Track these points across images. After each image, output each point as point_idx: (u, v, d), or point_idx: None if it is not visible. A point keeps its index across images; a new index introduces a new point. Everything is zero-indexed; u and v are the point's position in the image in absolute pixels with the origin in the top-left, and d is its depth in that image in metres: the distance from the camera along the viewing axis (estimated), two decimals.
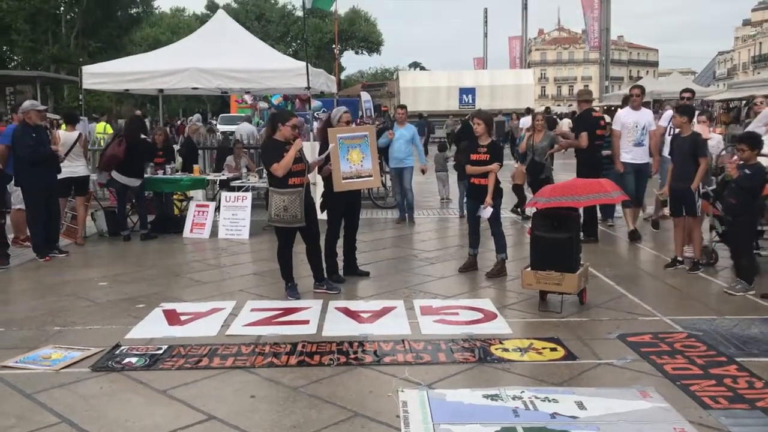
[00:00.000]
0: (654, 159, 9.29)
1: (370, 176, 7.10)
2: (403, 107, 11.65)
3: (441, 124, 32.57)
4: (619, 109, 10.88)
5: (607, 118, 10.70)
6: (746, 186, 6.36)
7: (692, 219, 7.31)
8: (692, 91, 10.41)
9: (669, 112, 9.61)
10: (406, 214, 11.14)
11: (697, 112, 8.97)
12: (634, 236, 9.03)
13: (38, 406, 4.14)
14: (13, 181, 8.58)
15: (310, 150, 8.58)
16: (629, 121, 9.16)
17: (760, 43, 68.07)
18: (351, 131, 7.16)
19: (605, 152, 9.51)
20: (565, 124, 28.68)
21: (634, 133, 9.10)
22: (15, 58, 43.25)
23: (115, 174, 9.65)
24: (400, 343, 5.17)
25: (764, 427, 3.76)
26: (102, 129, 19.92)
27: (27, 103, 8.70)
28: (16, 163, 8.37)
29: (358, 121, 19.58)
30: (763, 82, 24.70)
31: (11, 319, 5.97)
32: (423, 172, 12.07)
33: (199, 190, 11.09)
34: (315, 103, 16.84)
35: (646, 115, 9.42)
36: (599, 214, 9.66)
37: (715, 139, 9.04)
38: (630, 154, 9.09)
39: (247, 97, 19.82)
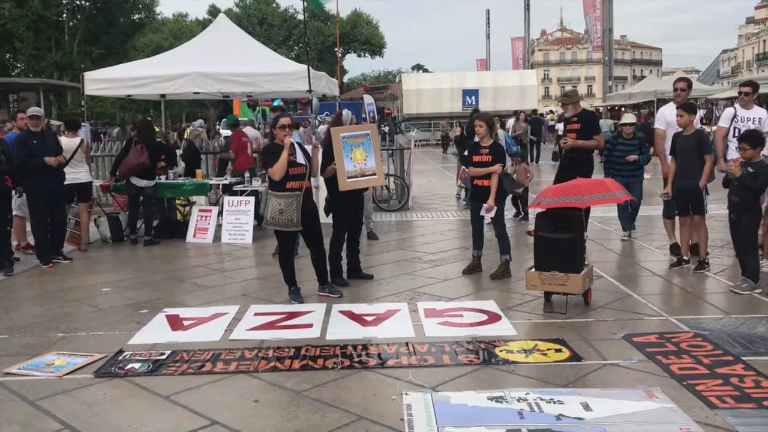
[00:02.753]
0: (720, 163, 7.67)
1: (374, 174, 7.07)
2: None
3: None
4: (662, 106, 9.90)
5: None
6: (749, 184, 6.32)
7: (699, 217, 7.27)
8: (687, 80, 8.96)
9: (730, 110, 8.12)
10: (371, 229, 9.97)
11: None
12: (675, 251, 7.85)
13: (41, 413, 4.13)
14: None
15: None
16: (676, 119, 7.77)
17: (764, 40, 67.88)
18: (353, 130, 7.15)
19: (631, 157, 8.79)
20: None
21: None
22: (18, 65, 43.47)
23: (133, 179, 9.76)
24: (404, 345, 5.15)
25: None
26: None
27: (30, 110, 8.77)
28: (18, 168, 8.38)
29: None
30: (767, 79, 24.63)
31: (14, 326, 5.97)
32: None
33: (201, 195, 11.10)
34: (314, 102, 16.84)
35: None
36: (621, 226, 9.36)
37: None
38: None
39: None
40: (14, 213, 9.06)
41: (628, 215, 9.19)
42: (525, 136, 19.19)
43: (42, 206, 8.38)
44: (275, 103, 18.43)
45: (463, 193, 13.16)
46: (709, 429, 3.70)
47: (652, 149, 9.08)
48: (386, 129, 22.01)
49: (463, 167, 10.12)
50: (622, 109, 28.93)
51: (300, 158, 6.41)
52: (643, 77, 64.74)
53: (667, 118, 8.14)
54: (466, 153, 8.70)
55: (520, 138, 17.67)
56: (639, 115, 27.35)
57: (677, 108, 7.60)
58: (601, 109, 38.60)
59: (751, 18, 77.48)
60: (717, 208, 9.81)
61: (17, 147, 8.31)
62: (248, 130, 17.42)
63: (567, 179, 7.87)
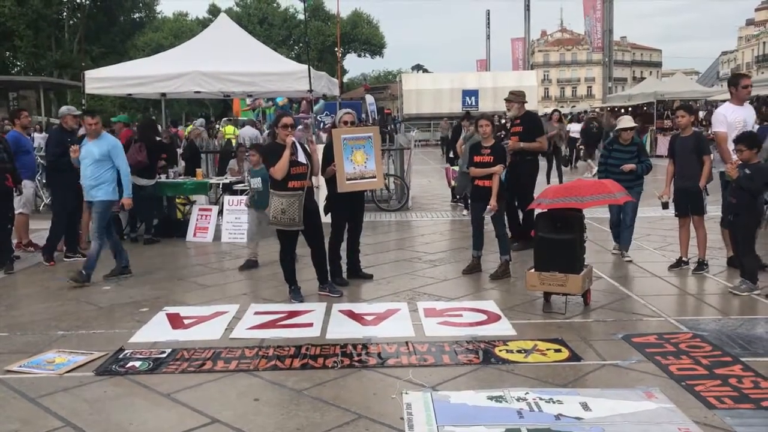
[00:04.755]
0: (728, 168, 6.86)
1: (374, 177, 7.10)
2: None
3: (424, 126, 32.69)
4: (719, 106, 9.33)
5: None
6: (746, 186, 6.33)
7: (698, 218, 7.29)
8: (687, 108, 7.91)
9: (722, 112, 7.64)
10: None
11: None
12: (735, 263, 7.18)
13: (42, 411, 4.14)
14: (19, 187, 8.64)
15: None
16: (737, 119, 7.34)
17: (764, 42, 67.96)
18: (355, 132, 7.16)
19: (627, 166, 7.72)
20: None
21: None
22: (18, 63, 43.45)
23: (133, 178, 9.76)
24: (404, 345, 5.16)
25: None
26: (232, 132, 20.22)
27: (63, 109, 9.05)
28: (51, 165, 8.73)
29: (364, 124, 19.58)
30: (766, 81, 24.65)
31: (15, 324, 5.98)
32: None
33: (202, 194, 11.10)
34: (318, 103, 16.88)
35: (751, 111, 7.69)
36: (615, 243, 8.38)
37: None
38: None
39: (248, 100, 19.89)
40: (19, 210, 9.09)
41: (623, 230, 8.09)
42: (560, 140, 16.89)
43: (70, 205, 8.54)
44: (278, 101, 18.40)
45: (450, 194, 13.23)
46: (708, 429, 3.72)
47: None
48: (389, 129, 21.88)
49: (450, 167, 10.06)
50: (622, 111, 28.46)
51: (301, 157, 6.42)
52: (642, 78, 64.68)
53: (728, 119, 7.40)
54: (452, 155, 8.76)
55: (554, 141, 15.56)
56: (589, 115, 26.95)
57: (678, 108, 7.60)
58: (598, 109, 38.63)
59: (751, 20, 77.54)
60: (717, 209, 9.82)
61: (54, 144, 8.61)
62: (247, 130, 17.54)
63: (511, 182, 7.94)
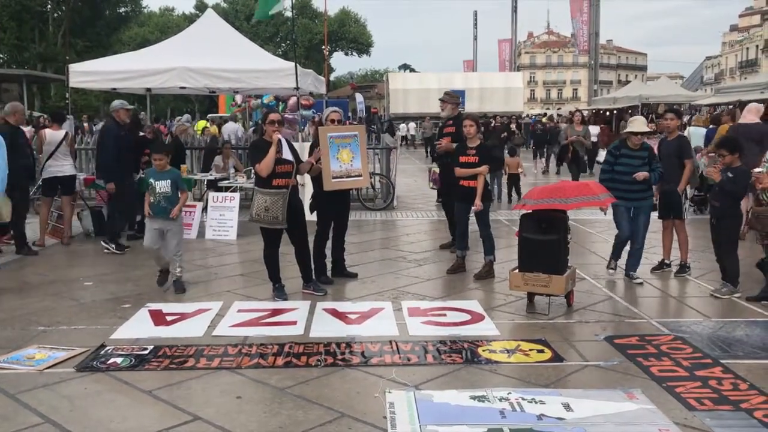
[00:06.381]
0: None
1: (360, 176, 7.09)
2: None
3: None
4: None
5: None
6: (729, 189, 6.40)
7: (679, 221, 7.36)
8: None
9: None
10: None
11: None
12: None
13: (21, 407, 4.10)
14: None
15: (300, 150, 8.54)
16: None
17: (747, 48, 68.63)
18: (341, 130, 7.15)
19: (640, 175, 6.82)
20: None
21: None
22: (1, 56, 42.92)
23: (145, 171, 9.73)
24: (387, 344, 5.16)
25: (748, 429, 3.78)
26: (201, 127, 20.28)
27: (116, 103, 9.23)
28: (104, 157, 8.97)
29: (347, 122, 19.58)
30: (749, 87, 24.92)
31: None
32: None
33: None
34: (308, 112, 16.90)
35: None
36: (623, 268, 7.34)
37: None
38: None
39: (238, 98, 19.80)
40: None
41: (633, 249, 7.15)
42: (581, 146, 13.61)
43: (123, 193, 8.89)
44: (265, 98, 18.32)
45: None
46: (688, 430, 3.75)
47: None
48: (375, 128, 21.85)
49: (433, 169, 10.00)
50: (628, 111, 26.72)
51: (287, 155, 6.39)
52: (628, 82, 65.12)
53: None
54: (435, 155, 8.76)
55: (573, 147, 13.37)
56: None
57: (667, 112, 7.64)
58: (586, 112, 38.83)
59: (735, 25, 78.33)
60: (695, 214, 9.94)
61: (114, 140, 8.85)
62: (230, 125, 17.70)
63: (442, 183, 7.96)
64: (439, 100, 8.95)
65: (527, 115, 43.93)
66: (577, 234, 9.66)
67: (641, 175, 6.80)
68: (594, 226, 10.32)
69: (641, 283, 7.03)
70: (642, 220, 7.02)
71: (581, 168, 14.02)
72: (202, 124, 20.82)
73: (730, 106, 22.05)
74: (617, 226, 7.16)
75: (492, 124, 22.01)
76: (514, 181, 13.79)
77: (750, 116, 9.35)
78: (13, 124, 8.62)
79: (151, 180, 6.84)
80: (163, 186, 6.80)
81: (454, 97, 8.93)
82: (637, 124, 7.11)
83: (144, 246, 7.01)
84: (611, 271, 7.40)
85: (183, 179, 10.42)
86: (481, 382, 4.45)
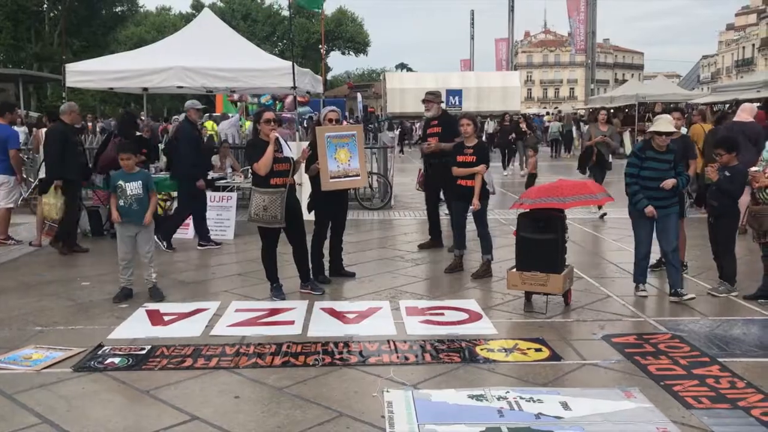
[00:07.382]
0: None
1: (358, 176, 7.08)
2: None
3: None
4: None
5: None
6: (726, 188, 6.40)
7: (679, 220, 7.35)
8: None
9: None
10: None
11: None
12: None
13: (18, 407, 4.09)
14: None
15: (296, 149, 8.55)
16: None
17: (743, 47, 68.78)
18: (339, 130, 7.13)
19: (669, 182, 6.24)
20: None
21: None
22: None
23: (112, 173, 9.68)
24: (385, 343, 5.16)
25: (746, 427, 3.78)
26: (210, 127, 20.14)
27: (188, 102, 9.26)
28: (181, 157, 8.88)
29: (347, 122, 19.55)
30: (746, 85, 24.97)
31: None
32: None
33: None
34: (304, 108, 16.88)
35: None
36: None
37: None
38: None
39: (235, 96, 19.78)
40: (6, 205, 9.01)
41: (670, 265, 6.40)
42: (607, 148, 11.45)
43: (196, 195, 8.99)
44: (262, 98, 18.30)
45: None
46: (686, 429, 3.76)
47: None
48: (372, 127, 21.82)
49: (421, 170, 9.90)
50: (625, 110, 26.35)
51: (286, 153, 6.39)
52: (624, 81, 65.18)
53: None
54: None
55: (597, 149, 11.27)
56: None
57: (673, 111, 7.66)
58: (582, 111, 38.93)
59: (732, 25, 78.49)
60: (696, 211, 9.94)
61: (190, 140, 8.82)
62: (225, 123, 17.79)
63: (428, 184, 7.96)
64: (423, 101, 8.87)
65: (530, 115, 43.89)
66: (575, 233, 9.66)
67: (669, 182, 6.22)
68: (591, 225, 10.32)
69: (693, 298, 6.30)
70: (672, 220, 6.34)
71: (605, 170, 11.64)
72: (209, 124, 20.71)
73: (701, 106, 22.10)
74: (635, 237, 6.49)
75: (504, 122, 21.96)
76: (530, 180, 13.25)
77: (744, 115, 9.57)
78: (68, 123, 8.68)
79: (120, 182, 6.43)
80: (134, 188, 6.42)
81: (437, 96, 8.92)
82: (663, 123, 6.37)
83: (119, 258, 6.54)
84: (643, 293, 6.55)
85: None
86: (479, 381, 4.46)
